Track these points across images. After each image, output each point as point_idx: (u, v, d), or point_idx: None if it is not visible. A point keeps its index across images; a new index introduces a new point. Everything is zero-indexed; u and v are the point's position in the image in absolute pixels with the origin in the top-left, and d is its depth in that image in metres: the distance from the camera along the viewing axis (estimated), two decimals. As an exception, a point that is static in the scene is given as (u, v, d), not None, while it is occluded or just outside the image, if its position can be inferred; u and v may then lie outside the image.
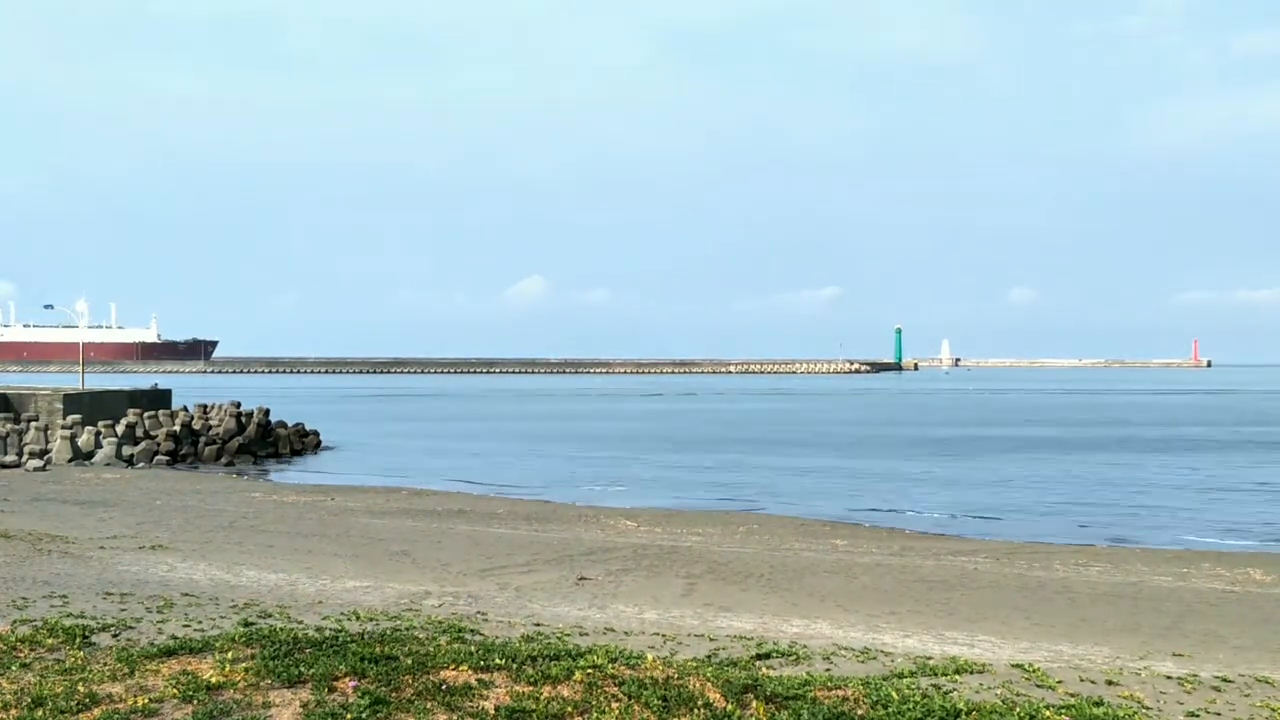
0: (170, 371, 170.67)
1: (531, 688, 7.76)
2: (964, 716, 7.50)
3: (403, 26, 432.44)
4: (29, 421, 38.26)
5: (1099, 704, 8.19)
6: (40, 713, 7.06)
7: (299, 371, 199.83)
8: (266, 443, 43.43)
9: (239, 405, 44.68)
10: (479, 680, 7.92)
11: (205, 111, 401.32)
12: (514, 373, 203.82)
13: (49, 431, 37.88)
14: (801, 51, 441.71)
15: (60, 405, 38.82)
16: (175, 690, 7.53)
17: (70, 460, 36.53)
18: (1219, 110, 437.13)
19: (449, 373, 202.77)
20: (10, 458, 35.57)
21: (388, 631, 10.19)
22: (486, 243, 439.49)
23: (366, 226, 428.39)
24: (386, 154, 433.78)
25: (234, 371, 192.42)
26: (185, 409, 44.19)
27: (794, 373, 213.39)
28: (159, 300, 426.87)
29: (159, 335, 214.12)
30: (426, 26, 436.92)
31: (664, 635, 11.27)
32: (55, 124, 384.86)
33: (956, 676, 9.24)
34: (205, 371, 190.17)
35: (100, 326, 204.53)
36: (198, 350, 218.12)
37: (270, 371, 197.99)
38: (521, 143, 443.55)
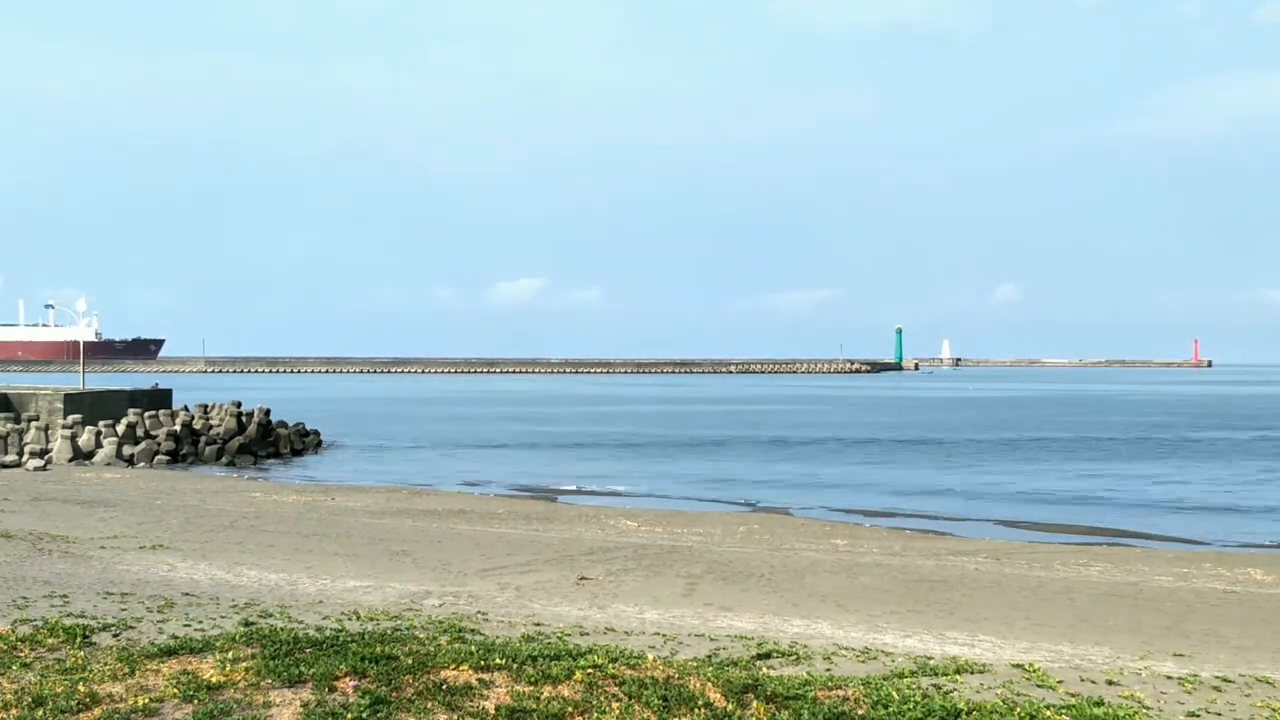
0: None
1: (532, 687, 7.76)
2: (964, 716, 7.50)
3: (369, 8, 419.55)
4: (29, 421, 38.29)
5: (1099, 704, 8.19)
6: (41, 712, 7.06)
7: (298, 371, 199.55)
8: (267, 442, 43.45)
9: (239, 405, 44.73)
10: (479, 680, 7.92)
11: (159, 97, 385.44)
12: (514, 373, 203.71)
13: (49, 431, 37.90)
14: (784, 25, 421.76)
15: (61, 405, 38.84)
16: (176, 690, 7.53)
17: (71, 460, 36.54)
18: (1231, 90, 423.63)
19: (449, 373, 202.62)
20: (11, 457, 35.57)
21: (388, 631, 10.19)
22: (473, 240, 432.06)
23: (343, 221, 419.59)
24: (356, 143, 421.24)
25: (235, 371, 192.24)
26: (186, 409, 44.24)
27: (794, 372, 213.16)
28: (124, 299, 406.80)
29: (98, 334, 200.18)
30: (394, 5, 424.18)
31: (664, 635, 11.27)
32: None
33: (957, 676, 9.23)
34: (206, 371, 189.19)
35: (37, 325, 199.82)
36: (141, 350, 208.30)
37: (270, 371, 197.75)
38: (496, 129, 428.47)
